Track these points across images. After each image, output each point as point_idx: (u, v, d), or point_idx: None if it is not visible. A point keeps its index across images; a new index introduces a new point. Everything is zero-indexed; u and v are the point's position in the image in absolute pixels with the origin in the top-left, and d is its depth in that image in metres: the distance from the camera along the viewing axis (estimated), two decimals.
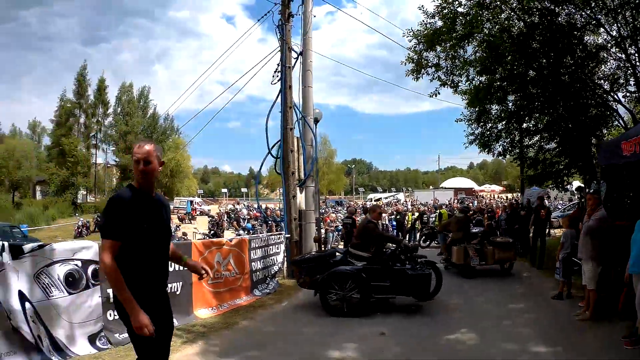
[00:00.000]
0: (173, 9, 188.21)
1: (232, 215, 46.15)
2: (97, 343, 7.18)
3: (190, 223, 44.73)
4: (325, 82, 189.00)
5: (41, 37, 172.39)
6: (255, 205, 46.73)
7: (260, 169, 20.42)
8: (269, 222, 33.96)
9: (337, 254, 10.86)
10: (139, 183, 4.04)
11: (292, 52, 15.53)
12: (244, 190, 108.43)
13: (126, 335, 6.57)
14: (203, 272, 4.55)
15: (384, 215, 31.36)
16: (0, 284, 6.15)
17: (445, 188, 78.84)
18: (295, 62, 15.59)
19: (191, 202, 61.77)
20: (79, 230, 39.78)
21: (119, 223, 3.83)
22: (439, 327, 8.56)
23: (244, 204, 65.17)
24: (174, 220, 47.75)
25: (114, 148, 77.22)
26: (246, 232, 31.54)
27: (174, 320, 4.59)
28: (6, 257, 6.23)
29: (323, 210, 35.33)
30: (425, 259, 11.02)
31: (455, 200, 57.40)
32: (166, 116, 79.83)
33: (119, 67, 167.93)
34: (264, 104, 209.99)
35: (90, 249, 7.35)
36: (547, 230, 20.12)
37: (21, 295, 6.35)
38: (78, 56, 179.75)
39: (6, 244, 6.38)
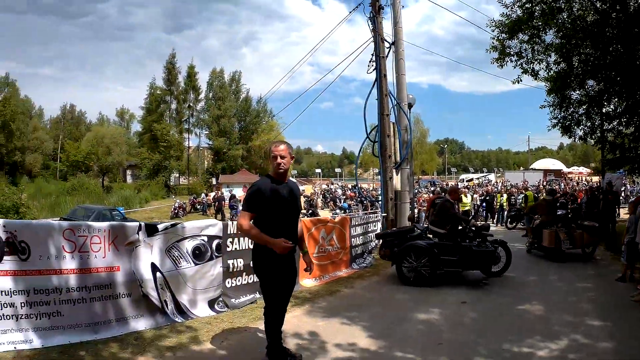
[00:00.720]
0: None
1: (328, 195, 47.33)
2: (216, 307, 8.42)
3: None
4: (416, 61, 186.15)
5: (122, 27, 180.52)
6: (350, 185, 47.78)
7: (359, 153, 21.91)
8: (365, 201, 35.05)
9: (417, 229, 12.04)
10: (276, 173, 5.55)
11: (385, 42, 16.43)
12: (337, 170, 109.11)
13: (241, 299, 8.56)
14: (310, 267, 6.11)
15: (475, 196, 32.24)
16: (135, 257, 7.38)
17: (534, 169, 76.60)
18: (388, 52, 16.41)
19: None
20: (175, 211, 41.30)
21: (254, 201, 5.44)
22: (512, 299, 9.57)
23: (338, 184, 65.83)
24: None
25: (207, 132, 79.80)
26: (342, 211, 32.59)
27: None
28: (142, 234, 7.51)
29: (416, 191, 36.11)
30: (492, 237, 11.94)
31: (545, 182, 56.00)
32: (259, 99, 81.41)
33: (205, 52, 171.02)
34: (355, 84, 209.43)
35: (215, 226, 8.73)
36: (617, 214, 20.04)
37: (153, 266, 7.58)
38: (162, 44, 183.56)
39: (143, 223, 7.75)
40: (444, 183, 59.96)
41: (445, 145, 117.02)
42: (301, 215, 7.65)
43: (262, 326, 6.13)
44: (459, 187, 36.73)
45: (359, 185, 42.11)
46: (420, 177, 78.63)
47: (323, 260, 11.68)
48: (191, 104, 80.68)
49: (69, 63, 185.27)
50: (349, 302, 9.33)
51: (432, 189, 40.96)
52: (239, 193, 46.83)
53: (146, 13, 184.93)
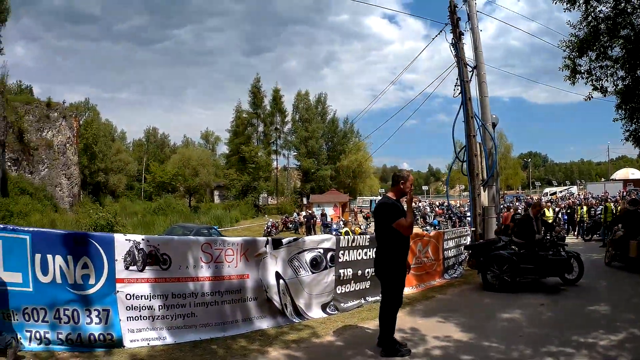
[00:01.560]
0: (332, 14, 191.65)
1: (417, 213, 48.16)
2: (327, 310, 9.62)
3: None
4: (497, 74, 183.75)
5: (200, 52, 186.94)
6: (437, 203, 48.41)
7: (449, 173, 22.94)
8: (453, 218, 35.77)
9: (501, 241, 13.03)
10: (397, 195, 7.10)
11: (467, 67, 17.32)
12: (424, 187, 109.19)
13: (349, 304, 9.94)
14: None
15: (557, 209, 32.66)
16: (262, 266, 8.68)
17: (614, 180, 74.71)
18: (471, 76, 17.32)
19: (372, 201, 62.60)
20: (268, 230, 42.21)
21: (397, 212, 6.87)
22: (585, 301, 10.43)
23: (425, 202, 66.19)
24: (359, 218, 50.46)
25: (295, 153, 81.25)
26: (432, 227, 33.37)
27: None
28: (269, 247, 8.81)
29: (502, 206, 36.67)
30: (566, 247, 12.86)
31: (624, 193, 53.78)
32: (345, 120, 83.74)
33: (286, 74, 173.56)
34: (438, 100, 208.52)
35: (329, 240, 10.08)
36: None
37: (277, 274, 8.88)
38: (241, 67, 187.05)
39: (270, 238, 9.09)
40: (529, 198, 59.52)
41: (529, 159, 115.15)
42: None
43: (369, 325, 7.75)
44: (542, 201, 36.96)
45: (449, 203, 43.00)
46: (505, 192, 78.07)
47: (419, 270, 12.72)
48: (278, 127, 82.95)
49: (147, 87, 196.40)
50: (442, 305, 10.50)
51: (508, 205, 41.25)
52: (330, 212, 47.94)
53: (223, 38, 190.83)
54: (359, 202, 66.87)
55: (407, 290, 11.26)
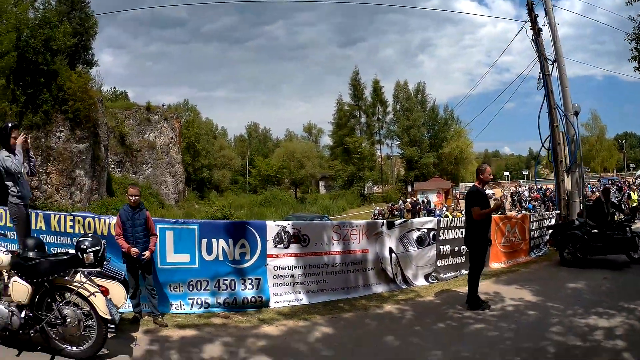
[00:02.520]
0: (422, 0, 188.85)
1: (515, 197, 49.21)
2: (429, 279, 11.78)
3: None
4: (588, 52, 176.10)
5: (293, 47, 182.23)
6: (535, 187, 49.20)
7: (537, 161, 24.19)
8: (547, 202, 36.82)
9: (577, 222, 14.56)
10: (481, 184, 9.31)
11: (548, 61, 18.59)
12: (524, 172, 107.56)
13: (447, 275, 12.19)
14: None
15: None
16: (379, 243, 10.97)
17: None
18: (552, 69, 18.54)
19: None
20: (375, 217, 43.82)
21: (479, 198, 8.97)
22: None
23: (525, 187, 65.81)
24: (462, 205, 51.90)
25: (398, 142, 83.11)
26: (527, 211, 34.55)
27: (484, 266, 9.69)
28: (384, 228, 11.16)
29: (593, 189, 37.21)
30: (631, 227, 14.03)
31: None
32: (445, 108, 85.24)
33: (383, 63, 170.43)
34: (534, 82, 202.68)
35: (432, 222, 12.42)
36: None
37: (390, 249, 11.14)
38: (337, 58, 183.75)
39: (385, 220, 11.70)
40: (622, 181, 58.86)
41: (624, 140, 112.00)
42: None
43: (462, 290, 9.86)
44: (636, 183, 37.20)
45: (544, 187, 44.00)
46: (601, 174, 76.68)
47: (507, 248, 14.46)
48: (380, 117, 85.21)
49: (243, 84, 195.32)
50: (522, 276, 12.45)
51: (594, 189, 41.28)
52: (433, 199, 49.68)
53: (316, 31, 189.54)
54: (462, 188, 67.54)
55: (496, 265, 13.43)
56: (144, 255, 7.92)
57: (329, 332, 7.90)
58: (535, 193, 47.26)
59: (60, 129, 40.98)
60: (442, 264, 12.19)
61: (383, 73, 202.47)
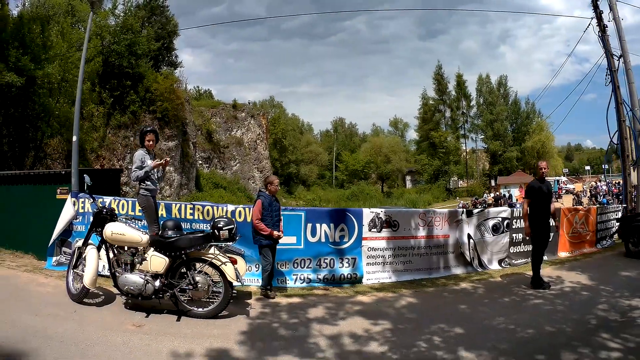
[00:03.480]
0: None
1: (592, 192, 49.25)
2: (502, 264, 12.90)
3: (556, 201, 47.77)
4: None
5: (376, 41, 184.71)
6: (614, 182, 49.13)
7: (606, 156, 24.40)
8: (620, 196, 36.97)
9: None
10: (540, 177, 10.47)
11: (614, 57, 19.03)
12: (604, 166, 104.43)
13: (518, 261, 13.35)
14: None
15: None
16: (459, 229, 12.29)
17: None
18: (618, 65, 19.00)
19: (557, 181, 62.92)
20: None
21: (529, 192, 10.55)
22: None
23: (603, 181, 64.91)
24: None
25: (482, 136, 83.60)
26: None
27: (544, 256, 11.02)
28: (464, 216, 12.49)
29: None
30: None
31: None
32: (526, 100, 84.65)
33: (464, 55, 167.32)
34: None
35: (506, 211, 13.48)
36: None
37: (469, 235, 12.39)
38: (419, 51, 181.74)
39: (464, 209, 13.02)
40: None
41: None
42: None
43: (530, 274, 10.80)
44: None
45: (618, 182, 44.03)
46: None
47: (575, 239, 15.24)
48: (464, 111, 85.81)
49: (327, 79, 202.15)
50: (584, 264, 13.36)
51: None
52: (516, 193, 50.09)
53: (397, 24, 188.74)
54: None
55: (563, 254, 14.43)
56: (280, 236, 9.58)
57: (412, 301, 9.33)
58: (613, 188, 47.25)
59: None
60: (515, 251, 13.24)
61: (466, 65, 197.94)
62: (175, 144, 44.75)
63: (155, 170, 9.00)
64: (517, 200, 48.18)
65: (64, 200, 11.15)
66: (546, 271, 10.85)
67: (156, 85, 44.69)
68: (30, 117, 27.65)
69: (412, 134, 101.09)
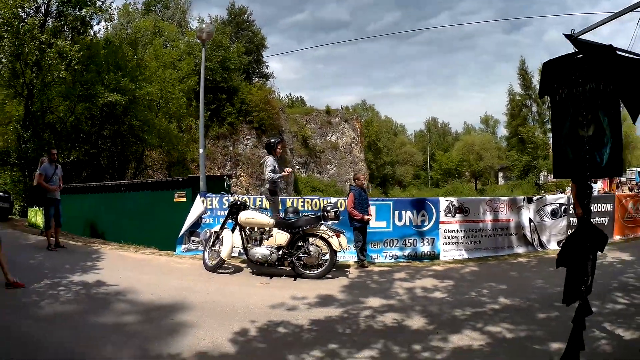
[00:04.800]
0: None
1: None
2: (559, 245, 13.56)
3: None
4: None
5: (460, 37, 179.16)
6: None
7: None
8: None
9: None
10: None
11: None
12: None
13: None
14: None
15: None
16: (520, 214, 13.93)
17: None
18: None
19: (639, 172, 59.39)
20: None
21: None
22: None
23: None
24: (625, 189, 51.97)
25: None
26: None
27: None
28: (524, 202, 14.06)
29: None
30: None
31: None
32: None
33: (548, 46, 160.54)
34: None
35: (563, 198, 14.87)
36: None
37: (529, 219, 13.95)
38: (505, 45, 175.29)
39: (525, 197, 14.57)
40: None
41: None
42: None
43: None
44: None
45: None
46: None
47: (630, 223, 15.98)
48: (549, 104, 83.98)
49: (418, 79, 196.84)
50: (633, 246, 14.44)
51: None
52: (599, 185, 50.62)
53: (480, 19, 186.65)
54: (629, 174, 66.00)
55: (617, 238, 15.60)
56: (369, 219, 12.16)
57: (474, 269, 11.59)
58: None
59: (246, 137, 47.30)
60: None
61: (551, 56, 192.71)
62: None
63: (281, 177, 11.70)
64: (598, 192, 47.91)
65: (181, 202, 14.13)
66: None
67: (251, 97, 48.11)
68: (134, 130, 30.68)
69: (503, 131, 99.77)
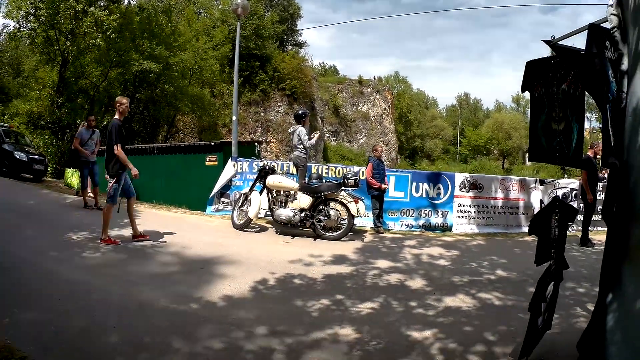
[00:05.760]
0: None
1: None
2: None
3: None
4: None
5: (495, 14, 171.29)
6: None
7: None
8: None
9: None
10: (594, 155, 12.79)
11: None
12: None
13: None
14: None
15: None
16: (531, 195, 14.64)
17: None
18: None
19: None
20: None
21: (587, 164, 12.35)
22: None
23: None
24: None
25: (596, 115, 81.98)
26: None
27: None
28: (537, 184, 14.79)
29: None
30: None
31: None
32: None
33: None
34: None
35: (574, 183, 15.13)
36: None
37: (540, 201, 14.32)
38: (541, 25, 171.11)
39: (538, 178, 15.24)
40: None
41: None
42: None
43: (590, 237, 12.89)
44: None
45: None
46: None
47: None
48: None
49: (452, 53, 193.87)
50: None
51: None
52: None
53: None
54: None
55: None
56: (386, 188, 13.07)
57: (481, 243, 12.38)
58: None
59: (278, 104, 47.94)
60: (581, 218, 13.84)
61: (583, 41, 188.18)
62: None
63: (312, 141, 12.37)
64: None
65: (211, 166, 15.12)
66: (601, 237, 11.94)
67: (283, 65, 48.74)
68: (167, 96, 31.70)
69: None
